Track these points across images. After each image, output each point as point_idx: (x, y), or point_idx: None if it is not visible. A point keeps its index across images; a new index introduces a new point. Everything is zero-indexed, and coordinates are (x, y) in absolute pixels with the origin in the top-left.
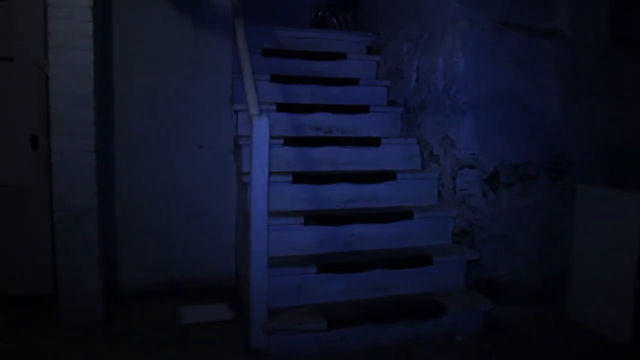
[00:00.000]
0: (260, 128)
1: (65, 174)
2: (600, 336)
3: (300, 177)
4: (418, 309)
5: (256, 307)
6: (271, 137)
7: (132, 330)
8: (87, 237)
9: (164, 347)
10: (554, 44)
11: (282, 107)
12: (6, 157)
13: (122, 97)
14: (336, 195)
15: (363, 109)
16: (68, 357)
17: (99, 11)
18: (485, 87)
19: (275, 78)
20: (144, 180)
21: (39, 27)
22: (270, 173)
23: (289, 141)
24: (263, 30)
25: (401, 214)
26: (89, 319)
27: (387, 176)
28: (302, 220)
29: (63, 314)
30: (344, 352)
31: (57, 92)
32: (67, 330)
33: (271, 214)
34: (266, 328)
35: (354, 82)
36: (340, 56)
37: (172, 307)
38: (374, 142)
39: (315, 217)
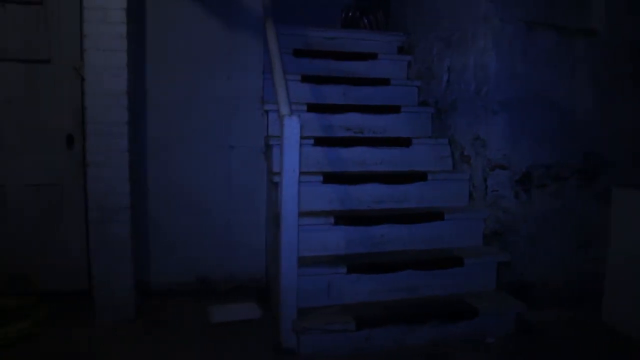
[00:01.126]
0: (291, 128)
1: (99, 173)
2: (635, 341)
3: (330, 177)
4: (448, 311)
5: (286, 306)
6: (302, 137)
7: (162, 327)
8: (120, 235)
9: (193, 345)
10: (588, 44)
11: (312, 107)
12: (43, 157)
13: (155, 97)
14: (366, 196)
15: (394, 109)
16: (102, 352)
17: (132, 13)
18: (517, 87)
19: (306, 78)
20: (176, 179)
21: (74, 30)
22: (300, 173)
23: (320, 141)
24: (294, 30)
25: (432, 215)
26: (121, 315)
27: (417, 177)
28: (332, 220)
29: (97, 310)
30: (372, 352)
31: (91, 93)
32: (100, 326)
33: (301, 214)
34: (296, 327)
35: (384, 82)
36: (371, 56)
37: (202, 306)
38: (405, 142)
39: (345, 218)
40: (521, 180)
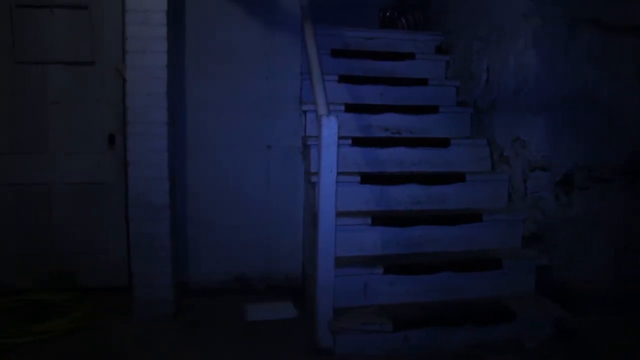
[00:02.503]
0: (329, 128)
1: (140, 172)
2: None
3: (368, 178)
4: (486, 313)
5: (322, 306)
6: (339, 137)
7: (199, 325)
8: (160, 234)
9: (229, 343)
10: (634, 41)
11: (350, 108)
12: (86, 156)
13: (194, 97)
14: (404, 196)
15: (432, 110)
16: (140, 348)
17: (172, 15)
18: (558, 87)
19: (344, 78)
20: (214, 179)
21: (117, 32)
22: (338, 173)
23: (357, 141)
24: (331, 30)
25: (470, 216)
26: (160, 312)
27: (456, 178)
28: (369, 220)
29: (136, 307)
30: (409, 354)
31: (133, 94)
32: (139, 322)
33: (339, 214)
34: (332, 327)
35: (422, 82)
36: (409, 56)
37: (239, 304)
38: (443, 142)
39: (382, 218)
40: (562, 182)
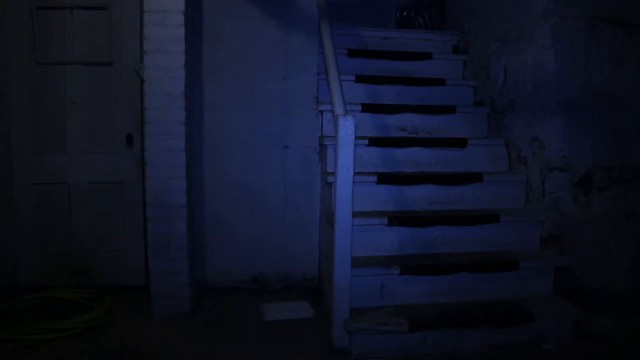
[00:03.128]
0: (346, 129)
1: (158, 172)
2: None
3: (385, 178)
4: (503, 315)
5: (339, 306)
6: (356, 138)
7: (216, 324)
8: (177, 233)
9: (246, 342)
10: None
11: (367, 108)
12: (105, 156)
13: (211, 97)
14: (421, 197)
15: (449, 110)
16: (157, 346)
17: (190, 16)
18: (578, 87)
19: (361, 79)
20: (231, 179)
21: (135, 33)
22: (355, 173)
23: (374, 142)
24: (348, 31)
25: (487, 217)
26: (177, 311)
27: (473, 178)
28: (386, 221)
29: (153, 305)
30: (425, 355)
31: (151, 94)
32: (157, 321)
33: (355, 215)
34: (349, 327)
35: (440, 82)
36: (426, 56)
37: (256, 303)
38: (461, 143)
39: (399, 219)
40: (581, 183)
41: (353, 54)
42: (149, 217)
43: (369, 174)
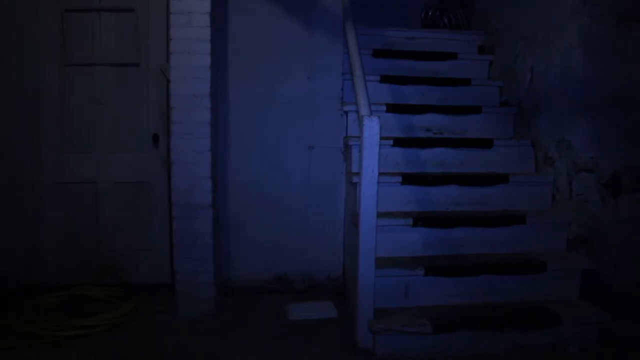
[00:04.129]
0: (371, 129)
1: (183, 171)
2: None
3: (409, 178)
4: (529, 317)
5: (363, 306)
6: (381, 138)
7: (240, 323)
8: (202, 232)
9: (269, 341)
10: None
11: (391, 108)
12: (131, 155)
13: (236, 98)
14: (445, 197)
15: (475, 110)
16: (181, 344)
17: (215, 16)
18: (606, 86)
19: (385, 79)
20: (256, 179)
21: (161, 34)
22: (379, 174)
23: (399, 142)
24: (373, 30)
25: (513, 218)
26: (201, 310)
27: (499, 179)
28: (410, 221)
29: (178, 304)
30: (448, 356)
31: (176, 94)
32: (181, 319)
33: (379, 215)
34: (372, 328)
35: (465, 82)
36: (452, 56)
37: (280, 303)
38: (486, 143)
39: (423, 219)
40: (609, 184)
41: (378, 53)
42: (174, 217)
43: (394, 174)
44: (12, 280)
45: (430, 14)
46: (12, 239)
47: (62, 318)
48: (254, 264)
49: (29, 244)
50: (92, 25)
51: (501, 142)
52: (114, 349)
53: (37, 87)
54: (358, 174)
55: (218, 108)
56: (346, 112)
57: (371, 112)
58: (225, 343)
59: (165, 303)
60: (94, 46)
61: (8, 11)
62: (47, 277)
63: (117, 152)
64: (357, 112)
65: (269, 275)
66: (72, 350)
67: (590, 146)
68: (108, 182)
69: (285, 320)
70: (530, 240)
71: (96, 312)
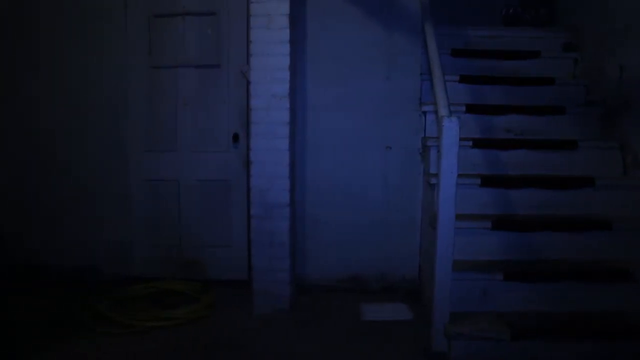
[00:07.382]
0: (450, 130)
1: (262, 170)
2: None
3: (488, 180)
4: (613, 328)
5: (439, 310)
6: (460, 139)
7: (313, 321)
8: (280, 231)
9: (342, 340)
10: None
11: (471, 109)
12: (212, 154)
13: (314, 98)
14: (526, 200)
15: (558, 110)
16: (256, 339)
17: (294, 18)
18: None
19: (465, 79)
20: (332, 179)
21: (241, 36)
22: (458, 175)
23: (478, 143)
24: (452, 30)
25: (597, 224)
26: (277, 307)
27: (584, 182)
28: (489, 224)
29: (254, 300)
30: None
31: (256, 95)
32: (257, 315)
33: (457, 217)
34: (448, 332)
35: (548, 81)
36: (534, 54)
37: (353, 303)
38: (570, 145)
39: (502, 222)
40: None
41: (457, 53)
42: (252, 215)
43: (472, 175)
44: (102, 272)
45: (511, 11)
46: (103, 234)
47: (151, 309)
48: (329, 263)
49: (117, 239)
50: (177, 29)
51: (586, 143)
52: (193, 340)
53: (125, 89)
54: (436, 175)
55: (296, 108)
56: (424, 113)
57: (450, 113)
58: (299, 340)
59: (242, 299)
60: (178, 49)
61: (103, 19)
62: (133, 270)
63: (199, 151)
64: (436, 112)
65: (343, 274)
66: (156, 339)
67: None
68: (190, 180)
69: (358, 321)
70: (616, 247)
71: (177, 304)
